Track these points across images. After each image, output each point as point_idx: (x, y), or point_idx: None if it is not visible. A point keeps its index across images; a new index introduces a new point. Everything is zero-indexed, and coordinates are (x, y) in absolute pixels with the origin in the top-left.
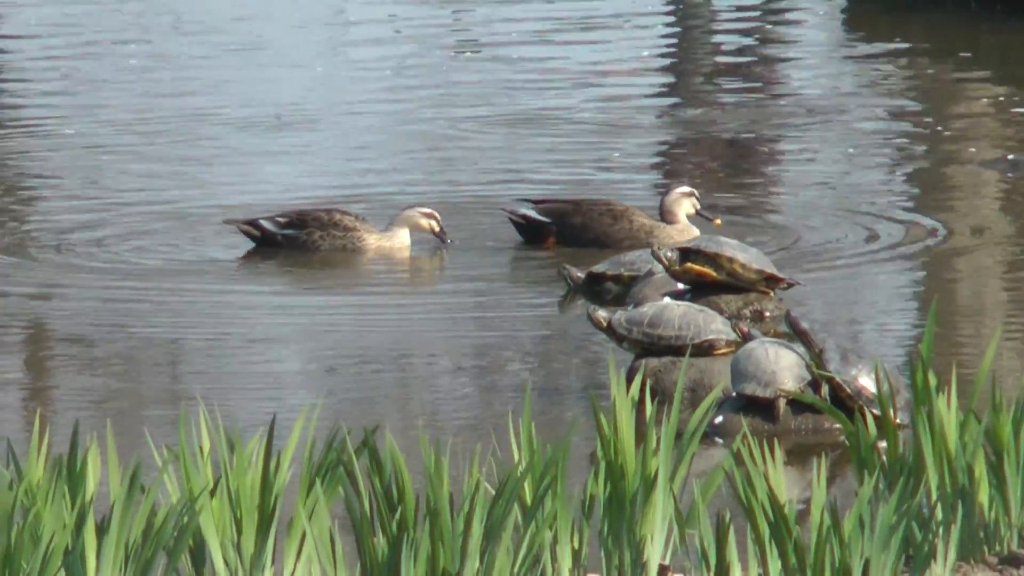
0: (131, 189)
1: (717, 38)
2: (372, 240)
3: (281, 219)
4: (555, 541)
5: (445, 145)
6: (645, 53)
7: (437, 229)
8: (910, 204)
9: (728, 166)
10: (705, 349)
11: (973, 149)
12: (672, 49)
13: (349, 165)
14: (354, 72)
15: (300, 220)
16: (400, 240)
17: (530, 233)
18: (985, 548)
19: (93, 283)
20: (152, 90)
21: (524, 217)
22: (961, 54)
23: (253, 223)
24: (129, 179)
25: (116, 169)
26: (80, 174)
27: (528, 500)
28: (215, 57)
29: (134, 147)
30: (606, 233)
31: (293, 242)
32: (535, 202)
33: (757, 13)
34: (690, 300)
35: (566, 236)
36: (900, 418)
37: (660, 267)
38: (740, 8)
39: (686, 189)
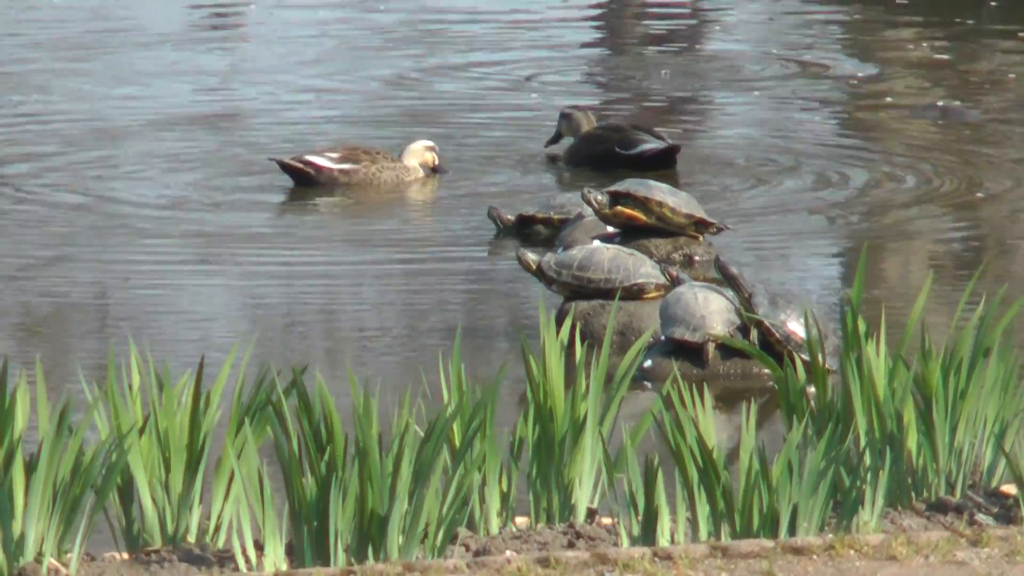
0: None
1: None
2: (411, 173)
3: (331, 154)
4: (484, 483)
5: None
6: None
7: (436, 162)
8: (839, 152)
9: (654, 117)
10: (634, 293)
11: (902, 95)
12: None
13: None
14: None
15: (352, 155)
16: (417, 173)
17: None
18: (913, 494)
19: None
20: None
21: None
22: (892, 1)
23: (304, 161)
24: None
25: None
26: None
27: (457, 442)
28: None
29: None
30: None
31: (353, 175)
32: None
33: None
34: (620, 243)
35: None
36: (829, 364)
37: (590, 210)
38: None
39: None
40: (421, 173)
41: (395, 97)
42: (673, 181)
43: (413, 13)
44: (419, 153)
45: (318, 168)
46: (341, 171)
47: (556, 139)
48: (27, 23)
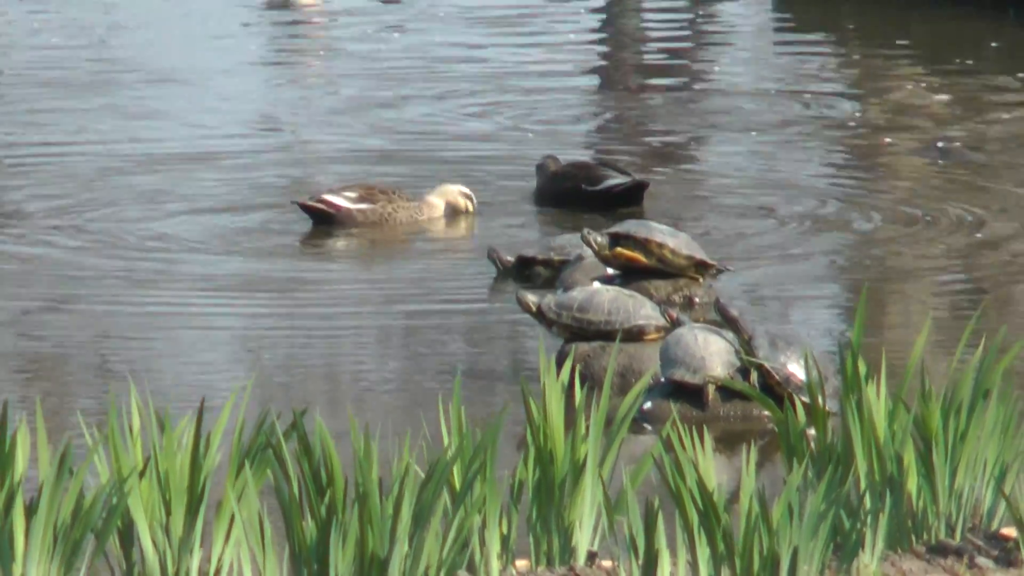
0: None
1: (645, 20)
2: (426, 211)
3: (349, 194)
4: (484, 526)
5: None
6: (572, 36)
7: (470, 209)
8: (839, 191)
9: (653, 157)
10: (635, 334)
11: (903, 136)
12: (599, 34)
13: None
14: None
15: (369, 194)
16: (438, 211)
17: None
18: (913, 537)
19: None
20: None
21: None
22: (891, 40)
23: (323, 200)
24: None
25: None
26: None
27: (457, 485)
28: None
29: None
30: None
31: (370, 215)
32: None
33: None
34: (620, 285)
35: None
36: (829, 406)
37: (590, 252)
38: None
39: (466, 190)
40: (440, 213)
41: (397, 137)
42: (669, 222)
43: (414, 52)
44: (451, 194)
45: (336, 208)
46: (359, 211)
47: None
48: (25, 61)
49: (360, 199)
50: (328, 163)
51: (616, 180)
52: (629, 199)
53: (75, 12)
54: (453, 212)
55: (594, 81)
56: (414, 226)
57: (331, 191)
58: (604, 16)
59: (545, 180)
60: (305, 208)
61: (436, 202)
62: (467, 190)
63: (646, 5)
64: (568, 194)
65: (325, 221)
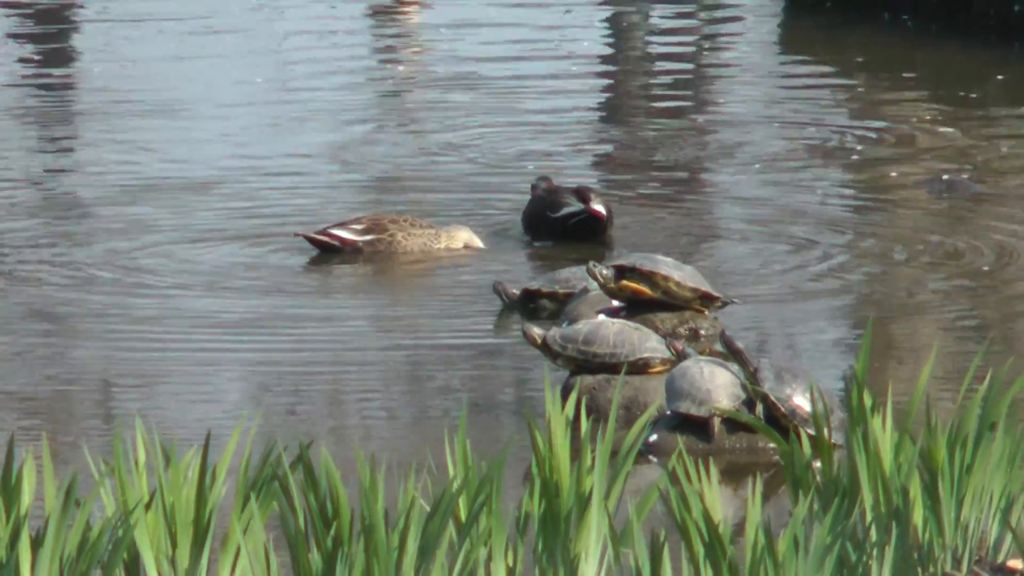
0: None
1: (651, 48)
2: (443, 240)
3: (356, 226)
4: (490, 558)
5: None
6: (574, 68)
7: (480, 246)
8: (845, 224)
9: (658, 187)
10: (640, 367)
11: (908, 168)
12: (605, 67)
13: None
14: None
15: (376, 225)
16: (457, 241)
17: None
18: (919, 569)
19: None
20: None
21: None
22: (896, 72)
23: (327, 234)
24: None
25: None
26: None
27: (463, 517)
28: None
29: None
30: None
31: (375, 245)
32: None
33: (694, 28)
34: (625, 318)
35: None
36: (835, 438)
37: (595, 284)
38: (677, 15)
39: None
40: (458, 244)
41: (401, 165)
42: (674, 254)
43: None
44: (463, 238)
45: (342, 240)
46: (366, 242)
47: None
48: (35, 88)
49: (366, 231)
50: (331, 192)
51: (571, 209)
52: (589, 231)
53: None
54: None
55: (599, 111)
56: (425, 255)
57: (338, 223)
58: (611, 44)
59: (527, 204)
60: (310, 240)
61: (454, 232)
62: (475, 238)
63: (650, 37)
64: (538, 219)
65: (331, 252)
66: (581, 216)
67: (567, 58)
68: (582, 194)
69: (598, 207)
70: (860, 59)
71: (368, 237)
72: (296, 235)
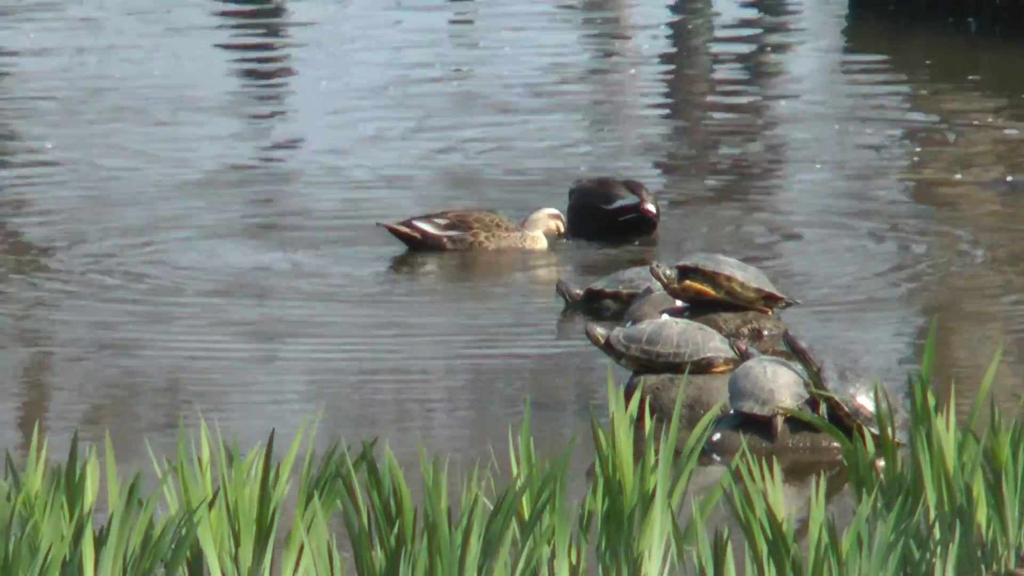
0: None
1: (715, 47)
2: (528, 242)
3: (439, 220)
4: (553, 556)
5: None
6: (632, 71)
7: (562, 230)
8: (908, 225)
9: (719, 188)
10: (703, 367)
11: (973, 170)
12: (669, 65)
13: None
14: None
15: (461, 221)
16: (541, 243)
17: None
18: (983, 567)
19: (86, 295)
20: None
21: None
22: (960, 74)
23: (410, 225)
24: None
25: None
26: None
27: (526, 515)
28: None
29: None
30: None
31: (459, 243)
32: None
33: (757, 31)
34: (688, 318)
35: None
36: (898, 437)
37: (659, 285)
38: (740, 21)
39: (553, 211)
40: (544, 242)
41: (463, 162)
42: (737, 255)
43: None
44: (543, 221)
45: (424, 234)
46: (448, 238)
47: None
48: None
49: (450, 226)
50: (388, 187)
51: (625, 202)
52: (639, 227)
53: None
54: (556, 238)
55: (660, 111)
56: (505, 254)
57: (422, 216)
58: (673, 42)
59: (571, 197)
60: (392, 231)
61: (538, 233)
62: (554, 210)
63: (714, 34)
64: (585, 211)
65: (414, 246)
66: (633, 214)
67: (627, 55)
68: (634, 188)
69: (650, 206)
70: (924, 61)
71: (451, 233)
72: (378, 225)
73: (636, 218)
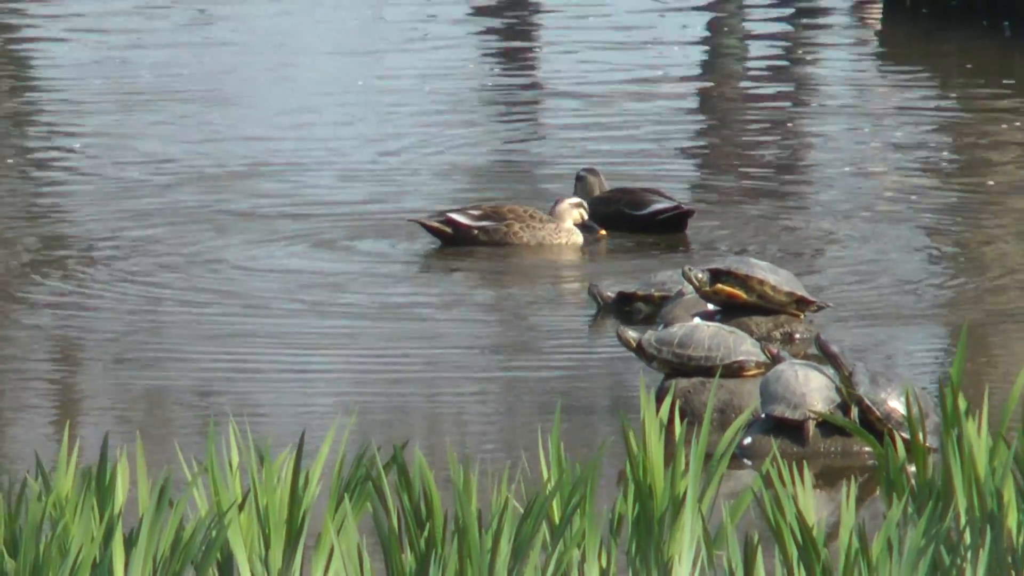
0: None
1: (747, 44)
2: (563, 235)
3: (473, 212)
4: (583, 560)
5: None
6: (659, 73)
7: (585, 218)
8: (941, 230)
9: (752, 190)
10: (735, 370)
11: (1006, 174)
12: (700, 71)
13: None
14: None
15: (495, 212)
16: (578, 237)
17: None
18: (1013, 573)
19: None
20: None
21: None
22: (993, 77)
23: (444, 217)
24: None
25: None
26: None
27: (556, 518)
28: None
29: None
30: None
31: (492, 234)
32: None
33: (789, 28)
34: (720, 321)
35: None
36: (929, 442)
37: (690, 288)
38: (771, 20)
39: (575, 200)
40: (579, 236)
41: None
42: (769, 258)
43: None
44: (568, 212)
45: (457, 225)
46: (481, 229)
47: None
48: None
49: (484, 216)
50: (420, 181)
51: (662, 204)
52: (673, 226)
53: None
54: (582, 228)
55: (693, 114)
56: (537, 252)
57: (459, 208)
58: (706, 41)
59: (589, 203)
60: (424, 226)
61: (572, 226)
62: (575, 199)
63: (746, 37)
64: (611, 218)
65: (447, 241)
66: (672, 212)
67: (661, 59)
68: (661, 193)
69: (687, 206)
70: (957, 64)
71: (484, 223)
72: (410, 221)
73: (676, 216)
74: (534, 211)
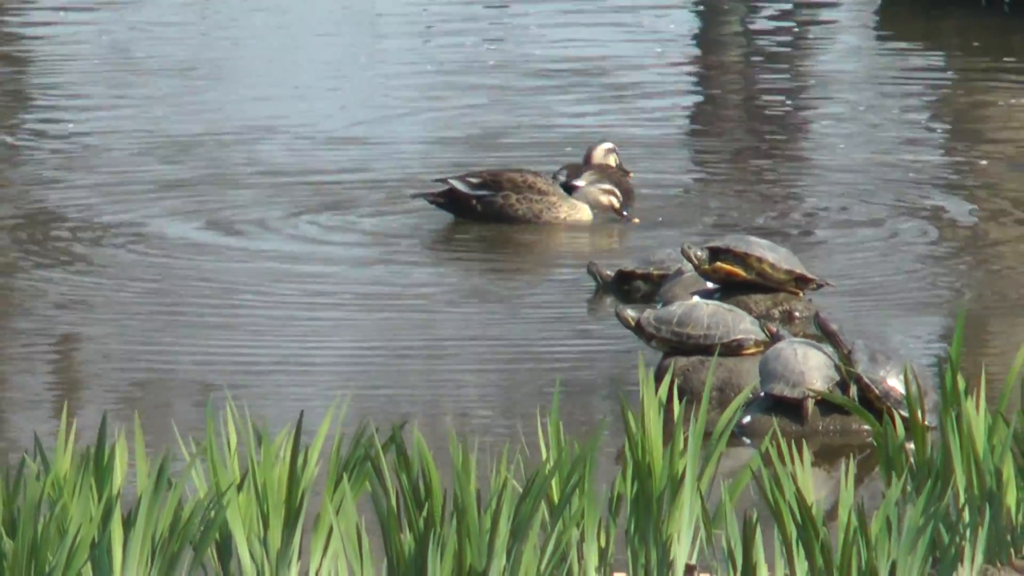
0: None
1: (748, 21)
2: (564, 210)
3: (472, 179)
4: (582, 539)
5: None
6: (659, 49)
7: (617, 206)
8: (940, 203)
9: (752, 172)
10: (734, 349)
11: (1005, 152)
12: (697, 50)
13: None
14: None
15: (493, 180)
16: (586, 214)
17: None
18: (1012, 551)
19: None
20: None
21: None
22: (994, 56)
23: (443, 185)
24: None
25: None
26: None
27: (555, 498)
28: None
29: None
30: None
31: (488, 206)
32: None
33: (788, 7)
34: (719, 299)
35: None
36: (928, 420)
37: (689, 266)
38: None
39: (609, 145)
40: (588, 213)
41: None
42: (769, 236)
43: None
44: (592, 194)
45: (455, 192)
46: (478, 198)
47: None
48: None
49: (482, 184)
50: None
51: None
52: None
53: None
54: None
55: (689, 89)
56: (534, 227)
57: (461, 175)
58: (704, 16)
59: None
60: (428, 198)
61: (581, 203)
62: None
63: (747, 16)
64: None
65: (443, 207)
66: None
67: (659, 43)
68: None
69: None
70: (957, 43)
71: (481, 192)
72: (413, 196)
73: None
74: (535, 179)
